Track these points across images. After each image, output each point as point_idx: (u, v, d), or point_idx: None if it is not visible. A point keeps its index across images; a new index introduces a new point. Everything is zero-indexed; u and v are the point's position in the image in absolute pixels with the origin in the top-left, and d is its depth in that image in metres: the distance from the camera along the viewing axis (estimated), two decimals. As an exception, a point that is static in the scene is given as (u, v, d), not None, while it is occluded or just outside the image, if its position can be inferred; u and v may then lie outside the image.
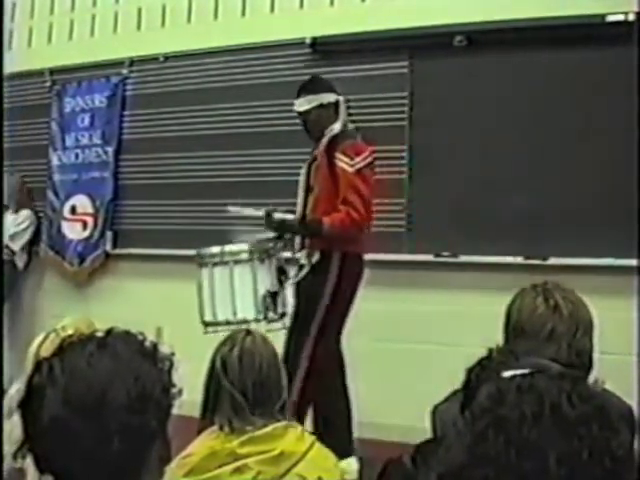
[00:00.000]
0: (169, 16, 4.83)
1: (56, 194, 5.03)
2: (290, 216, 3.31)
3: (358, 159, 3.17)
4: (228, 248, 3.11)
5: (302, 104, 3.34)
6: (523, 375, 0.93)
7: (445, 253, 3.89)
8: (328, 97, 3.34)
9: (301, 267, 3.28)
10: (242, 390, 1.84)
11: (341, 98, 3.37)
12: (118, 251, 4.81)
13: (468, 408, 0.92)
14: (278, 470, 1.73)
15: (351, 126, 3.39)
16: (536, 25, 3.73)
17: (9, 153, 4.54)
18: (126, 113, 4.86)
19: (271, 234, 3.22)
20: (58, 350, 1.00)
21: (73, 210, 4.98)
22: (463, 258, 3.86)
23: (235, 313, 3.03)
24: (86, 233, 4.90)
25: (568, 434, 0.80)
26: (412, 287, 3.99)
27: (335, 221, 3.14)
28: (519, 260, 3.72)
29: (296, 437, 1.81)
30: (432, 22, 3.95)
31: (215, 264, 3.09)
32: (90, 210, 4.91)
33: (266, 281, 3.08)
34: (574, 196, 3.68)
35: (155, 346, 1.04)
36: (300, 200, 3.36)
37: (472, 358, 1.30)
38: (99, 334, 1.03)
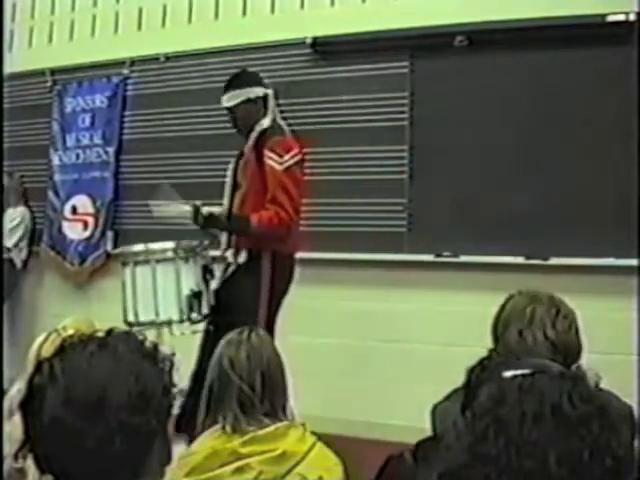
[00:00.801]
0: (169, 16, 4.82)
1: (57, 194, 5.03)
2: (215, 209, 3.20)
3: (287, 157, 3.06)
4: (151, 246, 3.02)
5: (229, 99, 3.22)
6: (524, 375, 0.93)
7: (445, 253, 3.89)
8: (256, 91, 3.21)
9: (228, 266, 3.18)
10: (251, 386, 1.84)
11: (270, 92, 3.25)
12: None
13: (469, 408, 0.92)
14: (280, 470, 1.73)
15: (281, 121, 3.26)
16: (536, 25, 3.72)
17: (9, 153, 4.55)
18: (127, 113, 4.86)
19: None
20: (59, 350, 1.00)
21: (74, 210, 4.97)
22: (463, 258, 3.85)
23: (158, 314, 2.93)
24: (87, 233, 4.90)
25: (569, 434, 0.80)
26: (412, 287, 3.99)
27: (263, 219, 3.02)
28: (519, 260, 3.71)
29: (298, 437, 1.81)
30: (432, 22, 3.94)
31: (137, 263, 2.99)
32: (91, 210, 4.90)
33: (190, 280, 2.98)
34: (574, 196, 3.68)
35: (155, 346, 1.04)
36: (227, 197, 3.26)
37: (472, 358, 1.30)
38: (100, 334, 1.03)
